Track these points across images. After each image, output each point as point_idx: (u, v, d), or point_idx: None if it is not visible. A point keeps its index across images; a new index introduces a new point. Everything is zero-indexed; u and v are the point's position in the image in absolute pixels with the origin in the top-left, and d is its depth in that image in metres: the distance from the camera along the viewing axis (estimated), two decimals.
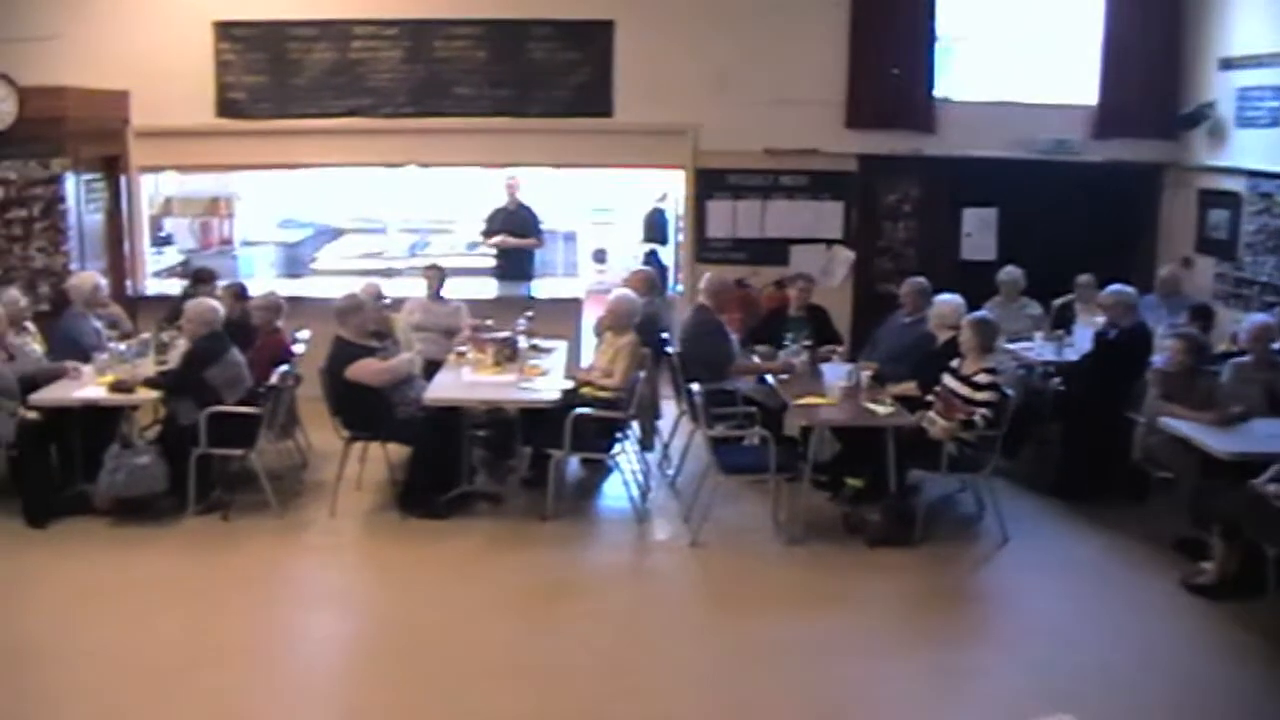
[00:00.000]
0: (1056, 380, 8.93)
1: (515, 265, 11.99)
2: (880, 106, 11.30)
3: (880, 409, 7.70)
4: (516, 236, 11.91)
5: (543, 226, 12.42)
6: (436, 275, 9.98)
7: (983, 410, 7.45)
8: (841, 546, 7.62)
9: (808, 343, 8.78)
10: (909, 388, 8.16)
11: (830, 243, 11.55)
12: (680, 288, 11.84)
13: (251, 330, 8.78)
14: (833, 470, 8.25)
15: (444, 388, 8.18)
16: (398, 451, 8.32)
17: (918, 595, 7.07)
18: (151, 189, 12.49)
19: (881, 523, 7.59)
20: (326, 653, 6.50)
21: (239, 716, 5.67)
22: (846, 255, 11.50)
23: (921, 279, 9.27)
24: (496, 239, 11.96)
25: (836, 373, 8.29)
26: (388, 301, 9.31)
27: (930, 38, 11.33)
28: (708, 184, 11.56)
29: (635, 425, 8.58)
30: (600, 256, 16.35)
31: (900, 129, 11.34)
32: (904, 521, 7.61)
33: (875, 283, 11.55)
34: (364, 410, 8.02)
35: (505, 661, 6.15)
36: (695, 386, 7.86)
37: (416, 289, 10.16)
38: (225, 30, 11.34)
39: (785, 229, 11.53)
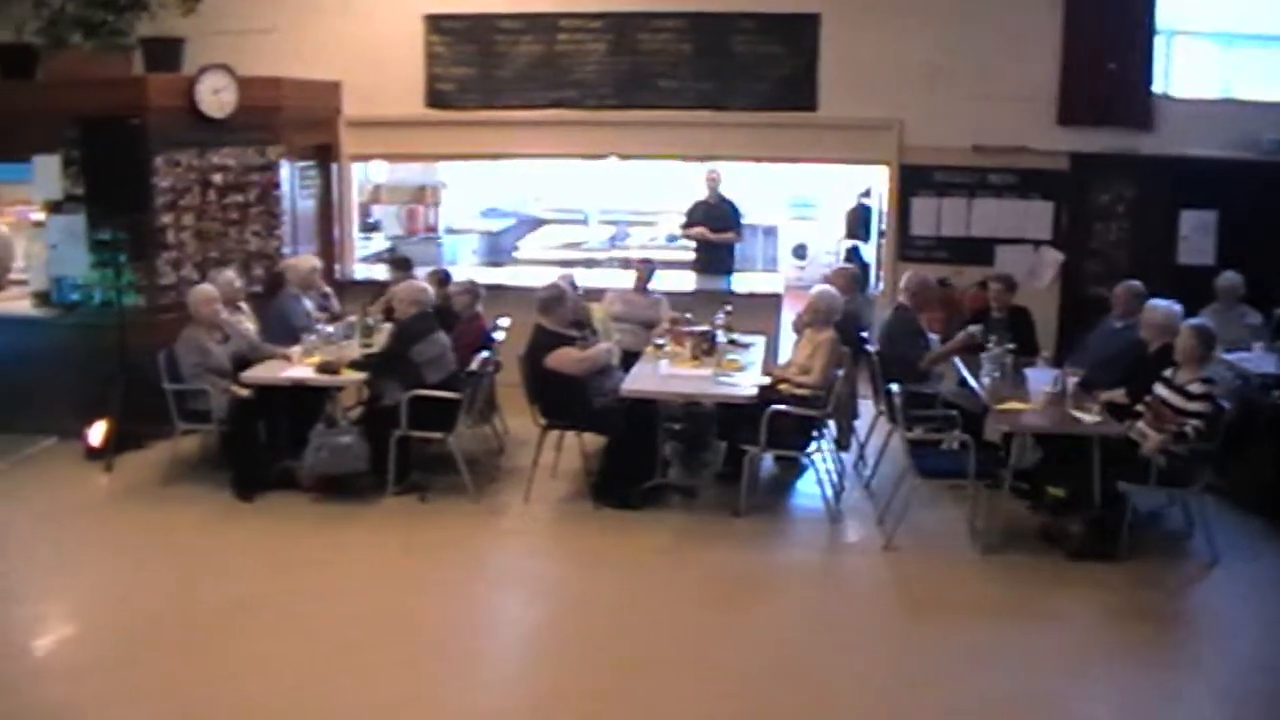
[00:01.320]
0: (1277, 394, 8.56)
1: (714, 259, 12.04)
2: (1094, 102, 10.95)
3: (1087, 417, 7.49)
4: (716, 230, 11.97)
5: (743, 220, 12.45)
6: (646, 269, 10.08)
7: (1195, 422, 7.17)
8: (1040, 558, 7.45)
9: (1010, 346, 8.61)
10: (1117, 395, 7.92)
11: (1038, 243, 11.27)
12: (881, 286, 11.73)
13: (453, 316, 9.06)
14: (1034, 478, 8.06)
15: (641, 379, 8.27)
16: (593, 441, 8.48)
17: (1117, 613, 6.86)
18: (361, 177, 12.96)
19: (1083, 535, 7.40)
20: (514, 636, 6.68)
21: (427, 691, 5.86)
22: (1055, 257, 11.21)
23: (1136, 282, 8.99)
24: (695, 231, 12.04)
25: (1042, 378, 8.10)
26: (582, 292, 9.45)
27: (1149, 30, 10.92)
28: (912, 180, 11.40)
29: (832, 424, 8.53)
30: (800, 252, 16.30)
31: (1115, 126, 10.98)
32: (1107, 535, 7.39)
33: (1084, 286, 11.24)
34: (562, 399, 8.17)
35: (689, 656, 6.21)
36: (894, 387, 7.81)
37: (616, 280, 10.29)
38: (435, 23, 11.67)
39: (991, 228, 11.29)
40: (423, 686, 5.90)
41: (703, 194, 12.12)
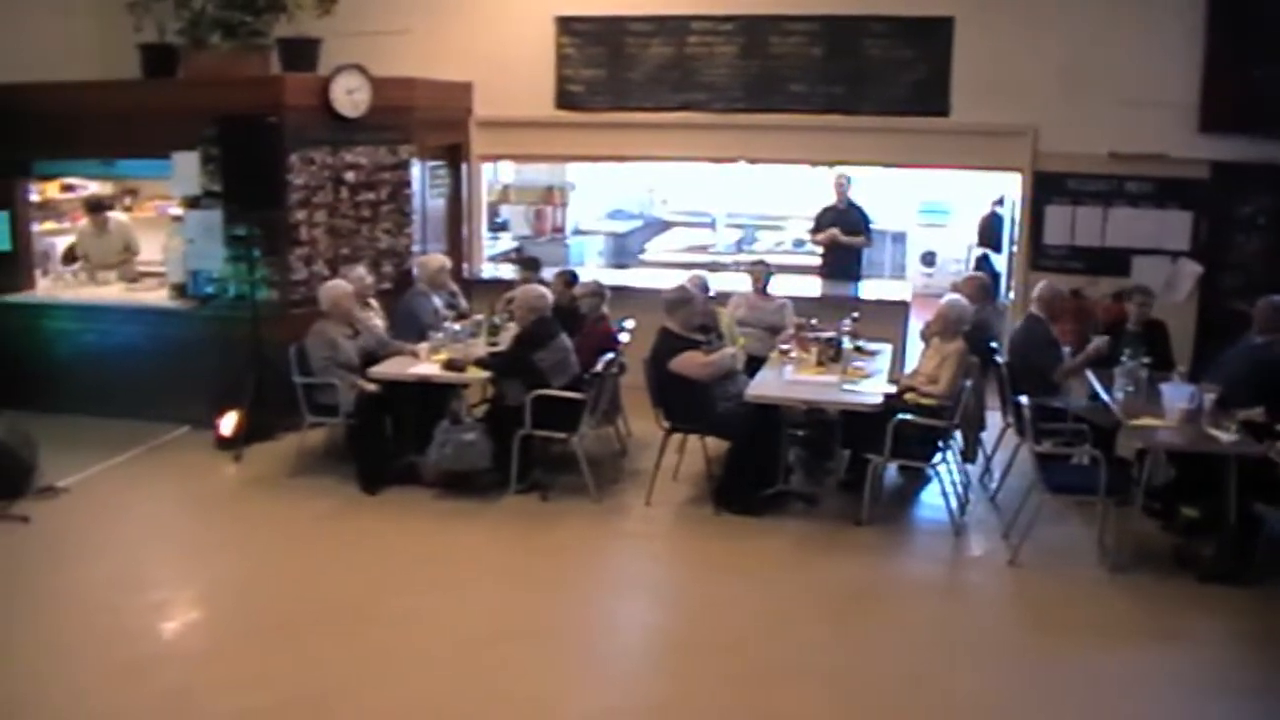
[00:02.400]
0: None
1: (842, 264, 11.99)
2: (1238, 109, 10.67)
3: (1224, 435, 7.30)
4: (846, 235, 11.93)
5: (872, 226, 12.38)
6: (763, 271, 10.06)
7: None
8: (1170, 579, 7.29)
9: (1146, 360, 8.43)
10: (1256, 414, 7.70)
11: (1176, 255, 11.03)
12: (1012, 295, 11.57)
13: (579, 317, 9.16)
14: (1167, 497, 7.92)
15: (765, 385, 8.29)
16: (716, 445, 8.50)
17: (1249, 638, 6.66)
18: (490, 176, 13.15)
19: (1217, 557, 7.25)
20: (631, 639, 6.74)
21: (541, 691, 5.94)
22: (1193, 269, 10.95)
23: (1278, 297, 8.76)
24: (826, 234, 11.98)
25: (1177, 394, 7.92)
26: (713, 295, 9.48)
27: None
28: (1046, 188, 11.21)
29: (958, 435, 8.45)
30: (929, 259, 16.14)
31: (1259, 134, 10.69)
32: (1242, 558, 7.19)
33: (1223, 300, 10.96)
34: (685, 402, 8.22)
35: (807, 665, 6.20)
36: (1023, 399, 7.71)
37: (742, 284, 10.30)
38: (566, 25, 11.81)
39: (1127, 238, 11.06)
40: (538, 686, 5.98)
41: (831, 199, 12.08)
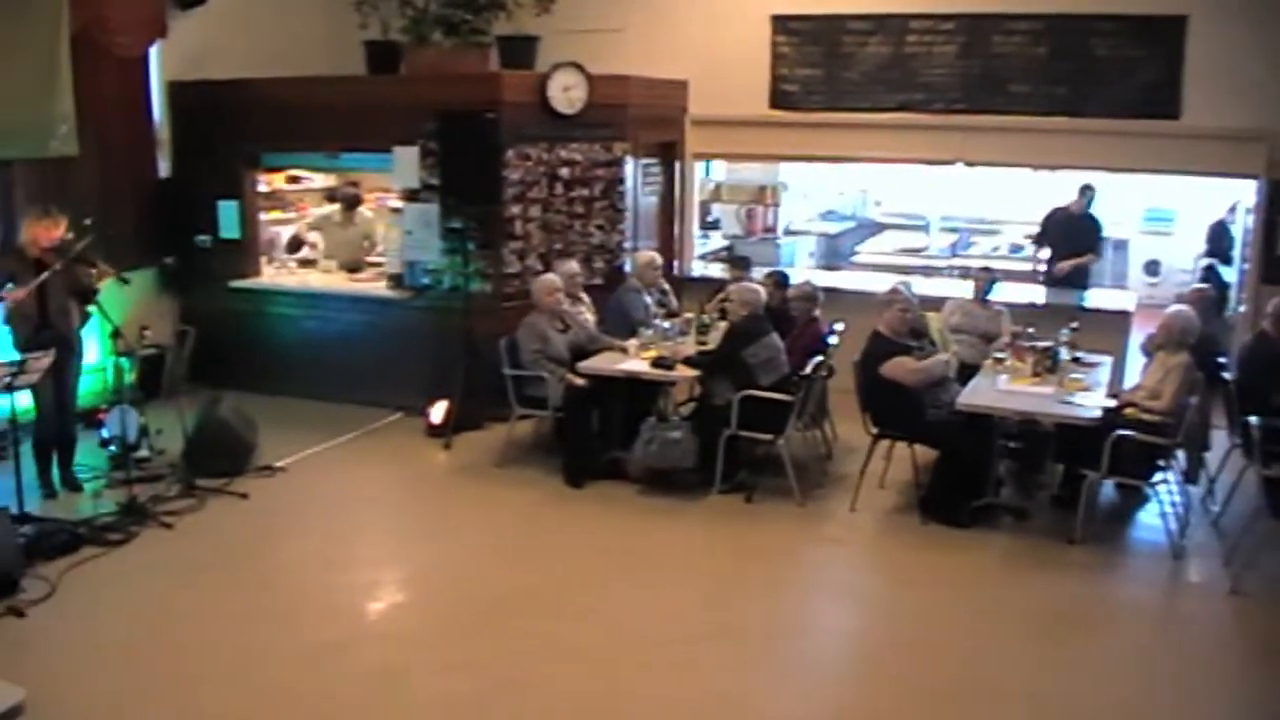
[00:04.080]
0: None
1: (1071, 273, 11.65)
2: None
3: None
4: (1073, 244, 11.58)
5: (1103, 237, 12.00)
6: (985, 278, 9.85)
7: None
8: None
9: None
10: None
11: None
12: (1242, 309, 11.14)
13: (790, 319, 9.17)
14: None
15: (978, 393, 8.15)
16: (924, 453, 8.39)
17: None
18: (702, 175, 13.24)
19: None
20: (829, 646, 6.70)
21: (732, 693, 5.95)
22: None
23: None
24: (1066, 265, 11.57)
25: None
26: (920, 301, 9.37)
27: None
28: None
29: (1180, 454, 8.15)
30: (1153, 268, 15.63)
31: None
32: None
33: None
34: (894, 408, 8.16)
35: (1007, 685, 6.05)
36: (1252, 419, 7.43)
37: (956, 289, 10.16)
38: (782, 23, 11.83)
39: None
40: (730, 687, 6.00)
41: (1063, 202, 11.74)
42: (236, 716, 5.72)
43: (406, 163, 10.27)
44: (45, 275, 7.98)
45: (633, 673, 6.11)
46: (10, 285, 8.04)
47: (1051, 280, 11.71)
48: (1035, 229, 12.19)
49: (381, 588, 7.24)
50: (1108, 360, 9.20)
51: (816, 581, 7.58)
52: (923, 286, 9.78)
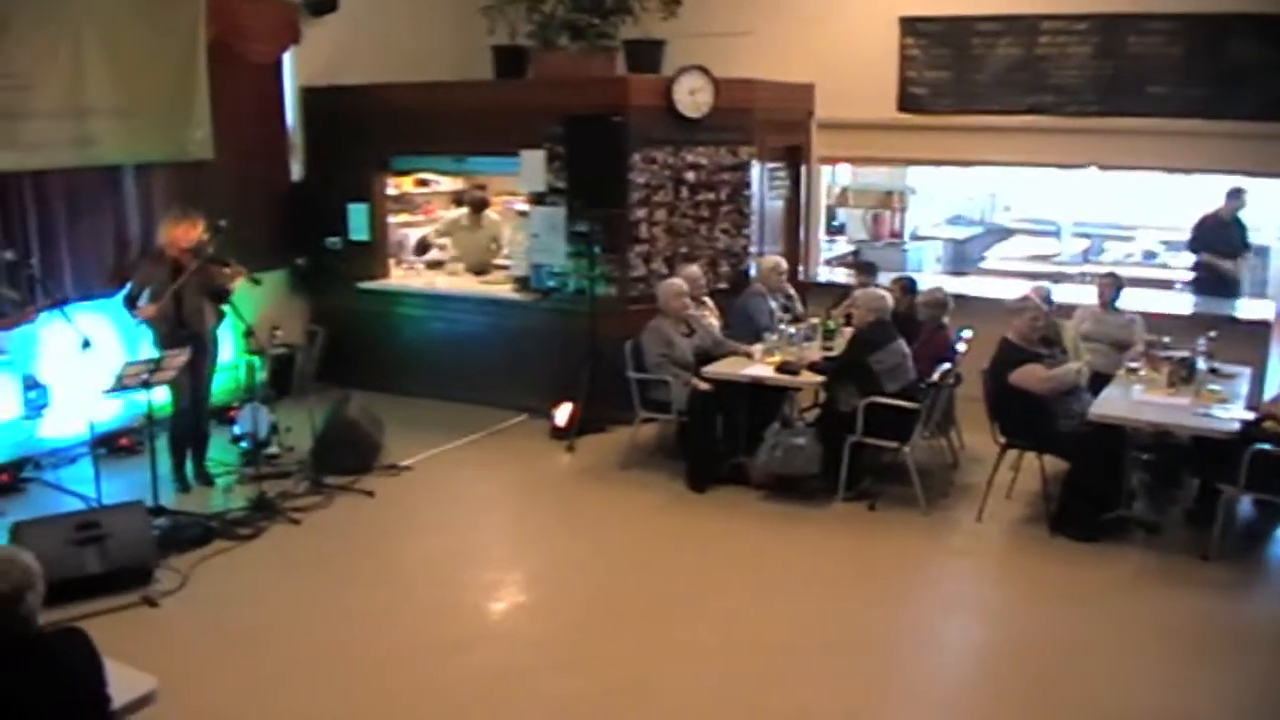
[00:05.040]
0: None
1: (1219, 281, 11.34)
2: None
3: None
4: (1223, 252, 11.29)
5: (1249, 243, 11.66)
6: (1112, 284, 9.67)
7: None
8: None
9: None
10: None
11: None
12: None
13: (916, 325, 9.09)
14: None
15: (1110, 404, 7.97)
16: (1053, 464, 8.25)
17: None
18: (829, 179, 13.17)
19: None
20: (951, 660, 6.59)
21: (852, 706, 5.91)
22: None
23: None
24: (1227, 266, 11.31)
25: None
26: (1056, 308, 9.23)
27: None
28: None
29: None
30: None
31: None
32: None
33: None
34: (1023, 417, 8.04)
35: (1134, 705, 5.88)
36: None
37: (1087, 296, 9.98)
38: (911, 25, 11.71)
39: None
40: (850, 699, 5.96)
41: (1206, 209, 11.43)
42: (359, 712, 5.84)
43: (533, 166, 10.39)
44: (180, 281, 8.24)
45: (752, 681, 6.10)
46: (144, 298, 8.33)
47: (1202, 288, 11.42)
48: (1172, 234, 11.87)
49: (503, 588, 7.34)
50: (1247, 371, 8.95)
51: (941, 593, 7.48)
52: (1054, 293, 9.58)
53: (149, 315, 8.31)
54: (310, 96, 11.47)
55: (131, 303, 8.42)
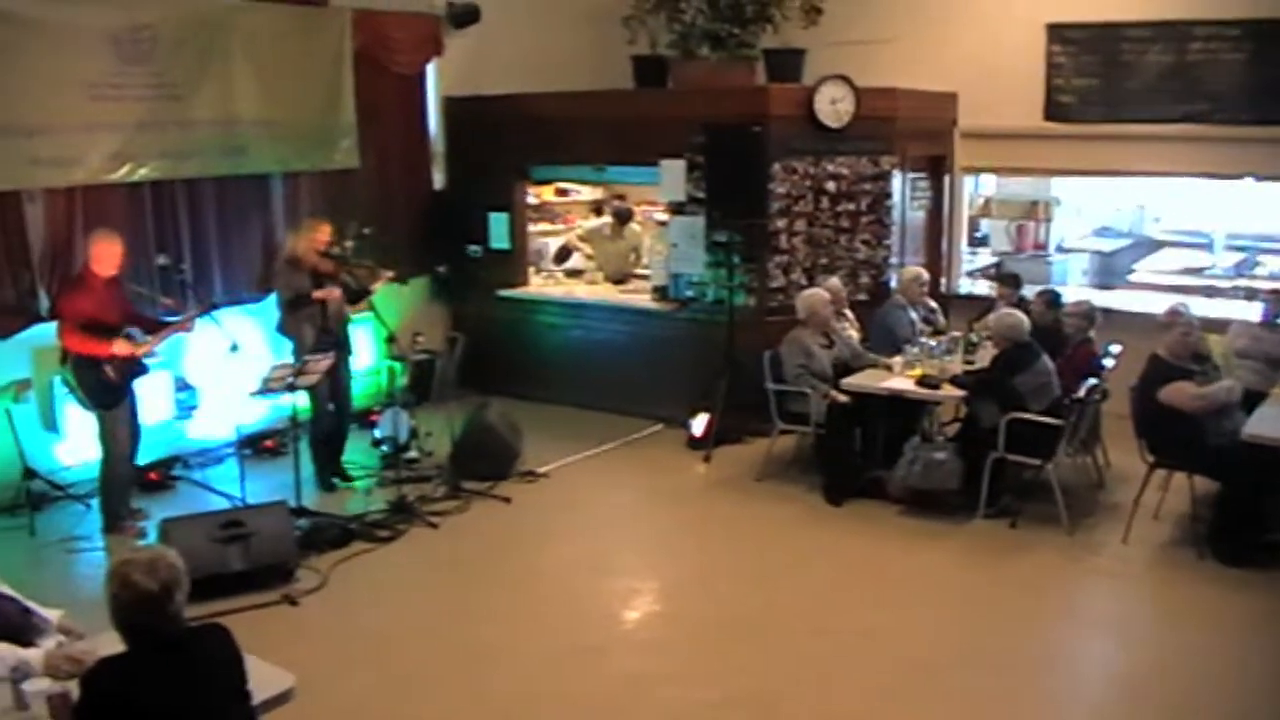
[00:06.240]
0: None
1: None
2: None
3: None
4: None
5: None
6: (1275, 300, 9.42)
7: None
8: None
9: None
10: None
11: None
12: None
13: (1062, 339, 8.92)
14: None
15: (1266, 423, 7.67)
16: (1203, 484, 8.02)
17: None
18: (971, 189, 13.00)
19: None
20: (1092, 683, 6.39)
21: None
22: None
23: None
24: None
25: None
26: (1202, 324, 8.97)
27: None
28: None
29: None
30: None
31: None
32: None
33: None
34: (1173, 436, 7.83)
35: None
36: None
37: (1242, 311, 9.71)
38: (1057, 32, 11.48)
39: None
40: (984, 718, 5.90)
41: None
42: (491, 713, 5.95)
43: (673, 176, 10.43)
44: (335, 281, 8.54)
45: (886, 697, 6.05)
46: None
47: None
48: None
49: (637, 596, 7.38)
50: None
51: (1083, 615, 7.32)
52: (1206, 308, 9.35)
53: (329, 296, 8.61)
54: (452, 106, 11.69)
55: (290, 307, 8.68)
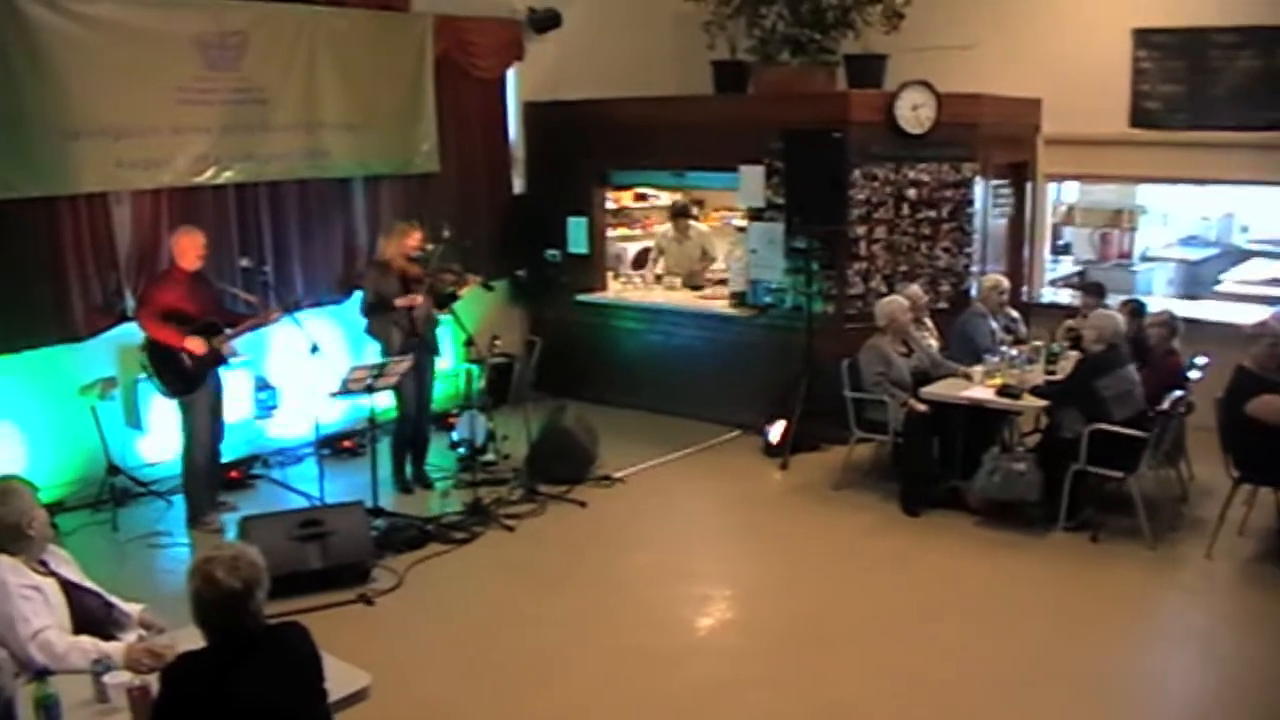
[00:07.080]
0: None
1: None
2: None
3: None
4: None
5: None
6: None
7: None
8: None
9: None
10: None
11: None
12: None
13: (1146, 350, 8.80)
14: None
15: None
16: None
17: None
18: (1054, 197, 12.85)
19: None
20: (1175, 700, 6.34)
21: None
22: None
23: None
24: None
25: None
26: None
27: None
28: None
29: None
30: None
31: None
32: None
33: None
34: (1260, 450, 7.68)
35: None
36: None
37: None
38: (1143, 37, 11.31)
39: None
40: None
41: None
42: (563, 718, 5.97)
43: (752, 181, 10.42)
44: (422, 286, 8.67)
45: (962, 711, 6.00)
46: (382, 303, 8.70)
47: None
48: None
49: (713, 603, 7.37)
50: None
51: (1166, 632, 7.22)
52: None
53: (411, 302, 8.68)
54: (532, 111, 11.76)
55: (371, 310, 8.78)
